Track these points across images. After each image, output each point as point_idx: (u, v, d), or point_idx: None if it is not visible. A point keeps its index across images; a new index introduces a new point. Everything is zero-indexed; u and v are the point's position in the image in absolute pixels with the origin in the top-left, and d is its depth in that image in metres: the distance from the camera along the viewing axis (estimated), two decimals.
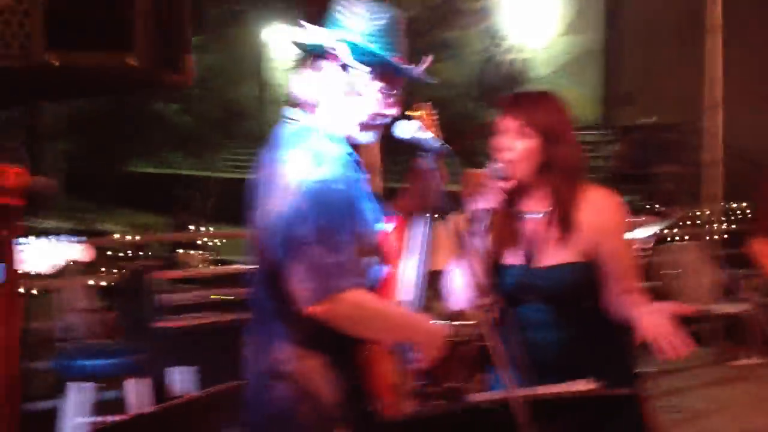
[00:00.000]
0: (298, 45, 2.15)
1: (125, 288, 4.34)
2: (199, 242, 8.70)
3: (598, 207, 2.37)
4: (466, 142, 10.75)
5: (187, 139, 19.86)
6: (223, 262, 4.86)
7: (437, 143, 2.15)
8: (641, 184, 11.20)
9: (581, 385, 1.89)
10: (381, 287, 2.16)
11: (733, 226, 7.95)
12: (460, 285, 2.41)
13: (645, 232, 4.97)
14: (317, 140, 2.08)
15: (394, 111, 2.18)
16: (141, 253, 6.79)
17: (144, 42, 2.36)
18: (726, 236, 7.30)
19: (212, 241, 7.49)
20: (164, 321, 4.11)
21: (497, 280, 2.39)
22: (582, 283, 2.36)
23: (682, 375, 5.80)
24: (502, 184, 2.37)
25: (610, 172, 12.25)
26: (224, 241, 6.39)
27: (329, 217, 1.96)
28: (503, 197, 2.40)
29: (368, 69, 2.11)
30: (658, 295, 5.87)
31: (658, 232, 5.07)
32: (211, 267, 4.69)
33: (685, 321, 2.17)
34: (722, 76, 6.81)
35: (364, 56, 2.09)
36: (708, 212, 7.34)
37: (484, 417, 1.76)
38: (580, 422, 1.87)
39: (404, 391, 2.13)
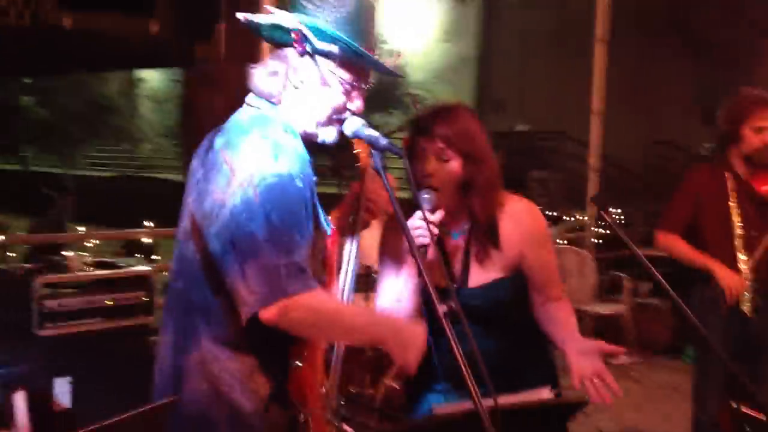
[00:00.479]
0: (260, 28, 1.97)
1: (3, 293, 3.98)
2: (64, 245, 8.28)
3: (516, 218, 2.33)
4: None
5: (47, 134, 18.82)
6: (105, 265, 4.52)
7: (384, 141, 2.00)
8: (517, 190, 11.41)
9: (543, 394, 1.83)
10: None
11: (608, 231, 8.24)
12: (402, 293, 2.27)
13: None
14: (278, 130, 1.92)
15: (359, 106, 2.04)
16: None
17: (168, 5, 2.01)
18: (601, 241, 7.55)
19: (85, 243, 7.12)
20: (48, 328, 3.78)
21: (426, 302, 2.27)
22: (512, 298, 2.33)
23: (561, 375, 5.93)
24: (433, 216, 2.18)
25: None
26: (96, 242, 6.02)
27: (284, 215, 1.80)
28: (434, 228, 2.16)
29: (335, 57, 1.96)
30: None
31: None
32: (92, 270, 4.33)
33: None
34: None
35: (330, 42, 1.94)
36: (586, 217, 7.57)
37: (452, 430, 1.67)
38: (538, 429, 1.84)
39: (332, 403, 2.01)
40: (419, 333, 1.95)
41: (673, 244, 3.72)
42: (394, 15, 14.27)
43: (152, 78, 20.24)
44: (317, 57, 1.96)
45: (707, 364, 3.77)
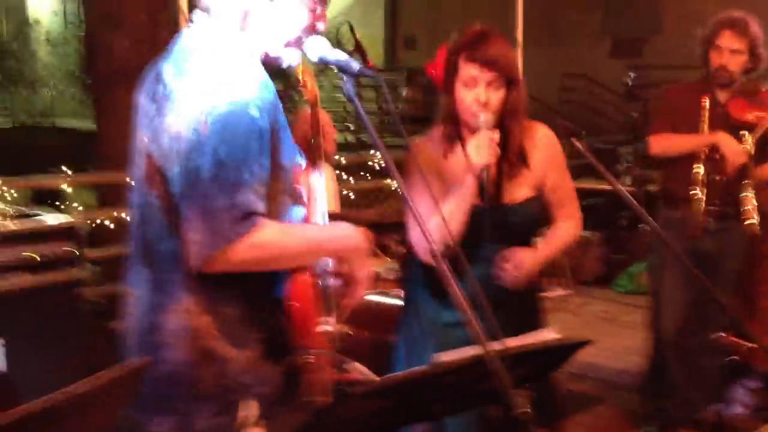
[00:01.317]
0: None
1: None
2: None
3: (541, 142, 2.51)
4: None
5: None
6: (26, 216, 4.19)
7: (357, 64, 1.83)
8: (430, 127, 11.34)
9: (546, 335, 1.73)
10: None
11: None
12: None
13: None
14: (233, 52, 1.72)
15: (323, 27, 1.84)
16: None
17: None
18: None
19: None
20: None
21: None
22: (541, 216, 2.52)
23: None
24: (494, 136, 2.34)
25: (400, 115, 12.36)
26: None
27: (233, 149, 1.63)
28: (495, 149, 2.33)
29: None
30: None
31: None
32: (14, 221, 4.00)
33: None
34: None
35: None
36: None
37: (458, 376, 1.54)
38: (539, 368, 1.80)
39: (334, 337, 1.85)
40: (361, 236, 1.85)
41: (668, 138, 3.67)
42: None
43: (47, 20, 19.18)
44: None
45: (661, 288, 3.78)
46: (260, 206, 1.67)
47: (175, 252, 1.70)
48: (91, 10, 6.47)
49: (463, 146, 2.45)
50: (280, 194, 1.78)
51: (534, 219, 2.51)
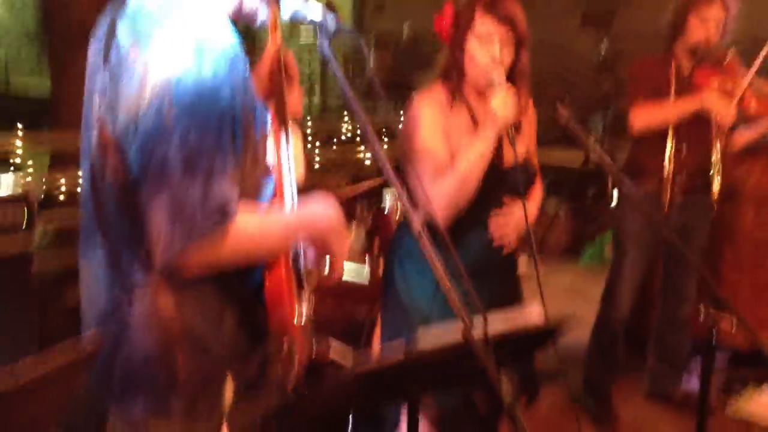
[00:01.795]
0: None
1: None
2: None
3: (529, 109, 2.57)
4: None
5: None
6: None
7: (332, 21, 1.69)
8: (405, 93, 11.22)
9: (533, 316, 1.64)
10: (272, 204, 1.73)
11: None
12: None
13: None
14: (201, 18, 1.53)
15: None
16: None
17: None
18: None
19: None
20: None
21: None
22: (532, 179, 2.54)
23: None
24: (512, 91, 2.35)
25: (367, 80, 12.18)
26: None
27: (203, 134, 1.46)
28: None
29: None
30: None
31: None
32: None
33: None
34: None
35: None
36: None
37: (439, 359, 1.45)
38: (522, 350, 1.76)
39: (309, 320, 1.75)
40: (333, 214, 1.71)
41: (650, 111, 3.57)
42: None
43: None
44: None
45: (622, 262, 3.73)
46: (235, 195, 1.52)
47: (130, 233, 1.55)
48: None
49: (467, 104, 2.42)
50: (254, 172, 1.64)
51: (534, 176, 2.54)
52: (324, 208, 1.72)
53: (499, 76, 2.33)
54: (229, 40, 1.54)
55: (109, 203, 1.59)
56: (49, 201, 4.38)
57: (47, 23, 6.19)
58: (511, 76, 2.40)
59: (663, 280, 3.81)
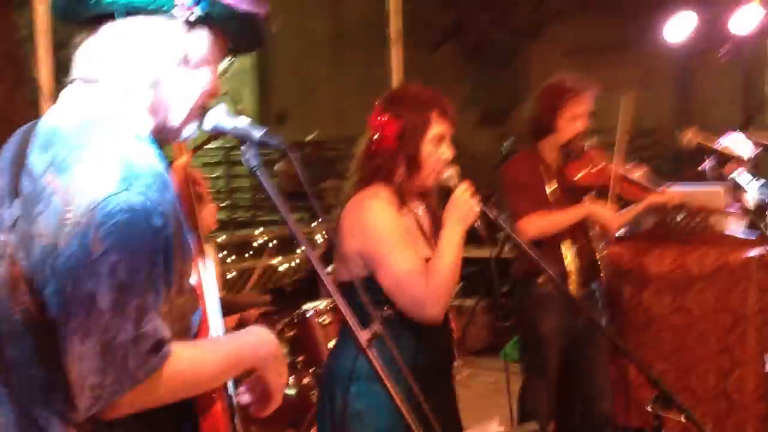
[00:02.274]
0: None
1: None
2: None
3: None
4: None
5: None
6: None
7: (259, 131, 1.62)
8: (308, 202, 11.22)
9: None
10: (199, 331, 1.63)
11: None
12: None
13: None
14: (127, 140, 1.43)
15: (218, 89, 1.63)
16: None
17: None
18: None
19: None
20: None
21: None
22: None
23: None
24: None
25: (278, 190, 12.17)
26: None
27: (135, 266, 1.34)
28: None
29: (216, 22, 1.53)
30: None
31: None
32: None
33: None
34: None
35: (213, 8, 1.50)
36: None
37: None
38: None
39: None
40: (271, 343, 1.64)
41: (540, 220, 3.57)
42: None
43: None
44: (205, 28, 1.52)
45: (536, 360, 3.71)
46: (166, 330, 1.40)
47: (46, 382, 1.41)
48: None
49: (412, 204, 2.54)
50: (179, 299, 1.51)
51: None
52: (264, 335, 1.63)
53: (452, 173, 2.46)
54: (156, 162, 1.45)
55: (20, 348, 1.44)
56: None
57: None
58: None
59: (576, 379, 3.79)
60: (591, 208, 3.59)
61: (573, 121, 3.61)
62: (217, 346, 1.59)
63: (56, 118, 1.49)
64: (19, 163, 1.46)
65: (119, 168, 1.37)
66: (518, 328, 3.99)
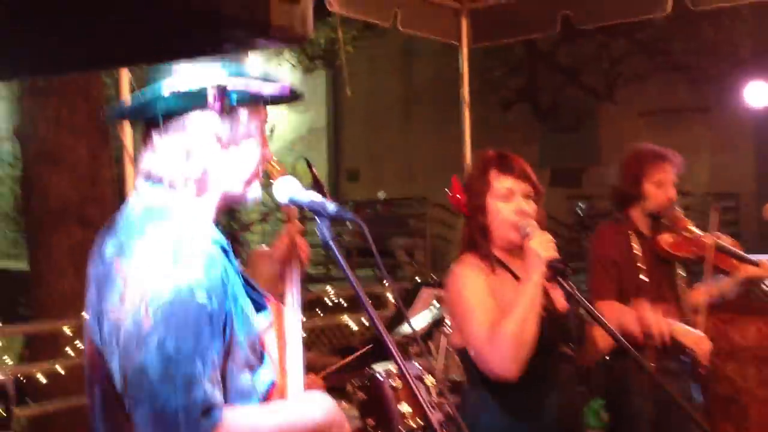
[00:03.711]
0: (150, 105, 1.60)
1: None
2: None
3: None
4: None
5: None
6: None
7: (333, 206, 1.67)
8: (382, 258, 11.27)
9: None
10: (271, 396, 1.65)
11: None
12: None
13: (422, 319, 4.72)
14: (180, 226, 1.54)
15: (270, 154, 1.76)
16: None
17: None
18: None
19: None
20: None
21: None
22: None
23: None
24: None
25: (347, 248, 12.29)
26: None
27: (182, 341, 1.46)
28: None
29: (248, 101, 1.64)
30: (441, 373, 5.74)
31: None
32: None
33: None
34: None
35: (244, 91, 1.61)
36: None
37: None
38: None
39: None
40: (333, 411, 1.66)
41: (617, 313, 3.43)
42: None
43: None
44: (240, 109, 1.62)
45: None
46: (218, 397, 1.49)
47: None
48: (27, 147, 6.25)
49: (504, 266, 2.45)
50: (236, 370, 1.58)
51: (578, 327, 2.46)
52: (320, 403, 1.66)
53: (530, 224, 2.35)
54: (207, 243, 1.55)
55: (103, 419, 1.56)
56: (24, 391, 4.19)
57: (25, 203, 6.19)
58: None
59: None
60: (677, 329, 3.39)
61: (660, 187, 3.53)
62: (274, 413, 1.62)
63: (127, 208, 1.63)
64: (99, 248, 1.61)
65: (169, 251, 1.50)
66: (606, 408, 3.81)
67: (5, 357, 4.34)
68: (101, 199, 5.67)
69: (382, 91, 14.39)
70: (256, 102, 1.66)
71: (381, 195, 12.97)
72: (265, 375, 1.65)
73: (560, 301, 2.44)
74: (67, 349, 4.54)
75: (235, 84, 1.60)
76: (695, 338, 3.32)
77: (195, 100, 1.58)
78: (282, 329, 1.79)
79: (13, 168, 13.50)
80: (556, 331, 2.37)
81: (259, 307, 1.71)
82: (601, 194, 10.36)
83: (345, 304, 6.87)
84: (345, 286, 8.92)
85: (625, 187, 3.53)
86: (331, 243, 1.65)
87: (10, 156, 15.43)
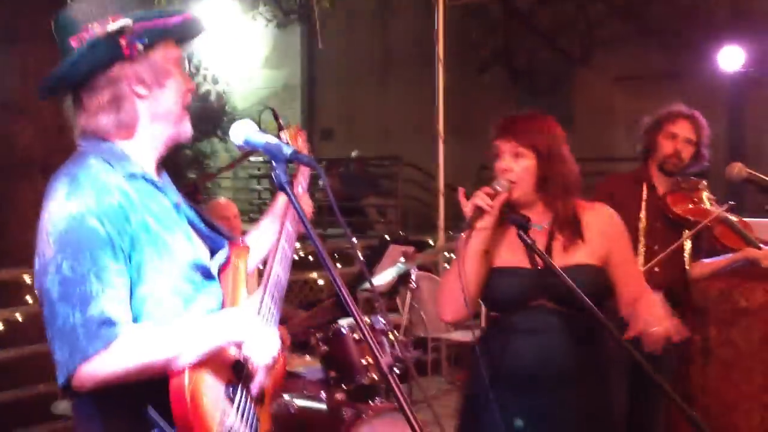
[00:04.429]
0: (72, 69, 1.69)
1: None
2: None
3: (600, 217, 2.54)
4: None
5: None
6: None
7: (288, 148, 1.67)
8: (354, 216, 11.31)
9: None
10: None
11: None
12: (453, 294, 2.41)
13: (388, 275, 4.71)
14: (85, 163, 1.67)
15: (192, 85, 1.83)
16: None
17: None
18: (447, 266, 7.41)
19: None
20: None
21: (498, 283, 2.47)
22: (595, 285, 2.43)
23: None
24: (499, 195, 2.41)
25: (318, 206, 12.26)
26: None
27: (76, 262, 1.61)
28: (495, 204, 2.40)
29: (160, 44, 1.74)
30: (406, 328, 5.78)
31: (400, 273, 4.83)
32: None
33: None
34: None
35: (151, 30, 1.71)
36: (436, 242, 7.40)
37: None
38: None
39: None
40: (250, 321, 1.73)
41: None
42: (214, 42, 13.78)
43: None
44: (154, 49, 1.72)
45: None
46: (119, 312, 1.63)
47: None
48: None
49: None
50: (157, 294, 1.69)
51: (583, 285, 2.36)
52: (235, 315, 1.72)
53: (500, 182, 2.44)
54: (106, 175, 1.67)
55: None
56: None
57: None
58: (545, 186, 2.49)
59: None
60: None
61: (672, 139, 3.58)
62: (177, 328, 1.68)
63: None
64: None
65: (66, 185, 1.66)
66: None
67: None
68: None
69: (359, 50, 14.24)
70: (165, 38, 1.74)
71: (354, 154, 12.91)
72: (204, 305, 1.72)
73: (567, 259, 2.45)
74: (27, 297, 4.51)
75: (141, 26, 1.67)
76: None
77: (108, 51, 1.66)
78: (239, 272, 1.83)
79: None
80: (533, 287, 2.43)
81: (214, 246, 1.82)
82: (576, 158, 10.38)
83: (312, 260, 6.88)
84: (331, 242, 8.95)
85: (643, 139, 3.62)
86: (286, 187, 1.65)
87: None
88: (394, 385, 1.51)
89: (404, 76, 13.24)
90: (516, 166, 2.45)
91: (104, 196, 1.64)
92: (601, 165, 9.64)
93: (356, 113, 14.54)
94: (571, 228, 2.49)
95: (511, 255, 2.48)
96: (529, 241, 2.38)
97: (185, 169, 12.18)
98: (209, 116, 13.05)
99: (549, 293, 2.42)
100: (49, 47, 1.81)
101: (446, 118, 6.93)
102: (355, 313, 1.57)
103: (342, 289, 1.59)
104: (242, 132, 1.72)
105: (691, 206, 3.53)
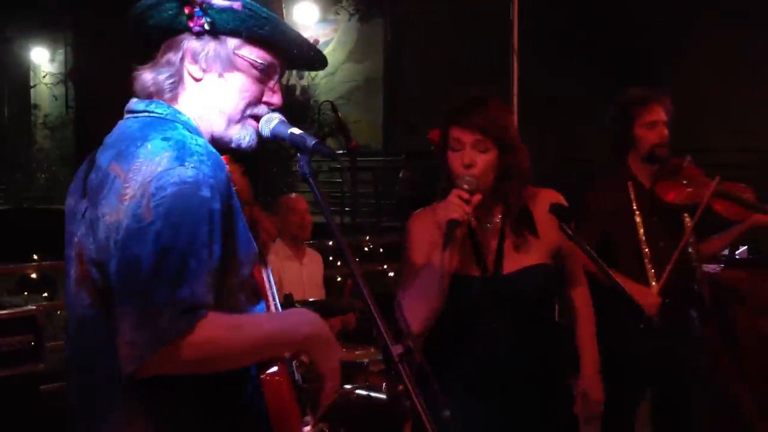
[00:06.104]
0: (144, 14, 1.61)
1: None
2: None
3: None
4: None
5: None
6: None
7: (312, 140, 1.65)
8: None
9: None
10: None
11: None
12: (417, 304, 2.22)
13: None
14: (180, 130, 1.55)
15: (278, 99, 1.70)
16: None
17: None
18: None
19: None
20: None
21: (457, 294, 2.27)
22: (548, 285, 2.37)
23: None
24: (473, 198, 2.20)
25: (397, 198, 12.29)
26: None
27: (177, 233, 1.42)
28: (471, 210, 2.21)
29: (241, 32, 1.62)
30: None
31: None
32: None
33: None
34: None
35: (232, 13, 1.59)
36: None
37: None
38: None
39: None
40: (321, 326, 1.65)
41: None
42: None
43: (47, 104, 19.40)
44: (221, 35, 1.61)
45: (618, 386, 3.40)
46: (208, 298, 1.45)
47: (111, 366, 1.47)
48: (81, 93, 6.38)
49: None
50: (237, 289, 1.58)
51: (534, 287, 2.33)
52: (306, 317, 1.65)
53: (466, 179, 2.22)
54: (210, 149, 1.56)
55: (93, 339, 1.54)
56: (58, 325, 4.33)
57: (81, 147, 6.34)
58: (502, 180, 2.32)
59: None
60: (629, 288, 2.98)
61: (652, 128, 3.38)
62: (256, 322, 1.60)
63: (119, 127, 1.64)
64: (88, 170, 1.59)
65: (173, 149, 1.48)
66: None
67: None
68: None
69: (442, 42, 14.19)
70: (255, 39, 1.63)
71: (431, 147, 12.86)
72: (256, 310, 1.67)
73: (519, 262, 2.34)
74: None
75: (210, 3, 1.57)
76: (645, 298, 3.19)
77: (176, 20, 1.60)
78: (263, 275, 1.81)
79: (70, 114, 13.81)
80: (488, 294, 2.31)
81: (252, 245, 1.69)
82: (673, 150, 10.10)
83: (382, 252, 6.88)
84: (390, 235, 8.94)
85: (617, 135, 3.42)
86: (310, 179, 1.65)
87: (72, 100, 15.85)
88: (403, 373, 1.49)
89: (487, 67, 13.12)
90: (479, 160, 2.26)
91: (218, 166, 1.51)
92: (697, 156, 9.34)
93: (439, 106, 14.49)
94: (523, 222, 2.35)
95: (461, 261, 2.28)
96: (569, 232, 2.28)
97: (267, 162, 12.23)
98: (294, 110, 13.24)
99: (500, 300, 2.32)
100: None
101: (522, 109, 6.82)
102: (368, 299, 1.56)
103: (358, 276, 1.59)
104: (270, 125, 1.71)
105: (682, 190, 3.34)
